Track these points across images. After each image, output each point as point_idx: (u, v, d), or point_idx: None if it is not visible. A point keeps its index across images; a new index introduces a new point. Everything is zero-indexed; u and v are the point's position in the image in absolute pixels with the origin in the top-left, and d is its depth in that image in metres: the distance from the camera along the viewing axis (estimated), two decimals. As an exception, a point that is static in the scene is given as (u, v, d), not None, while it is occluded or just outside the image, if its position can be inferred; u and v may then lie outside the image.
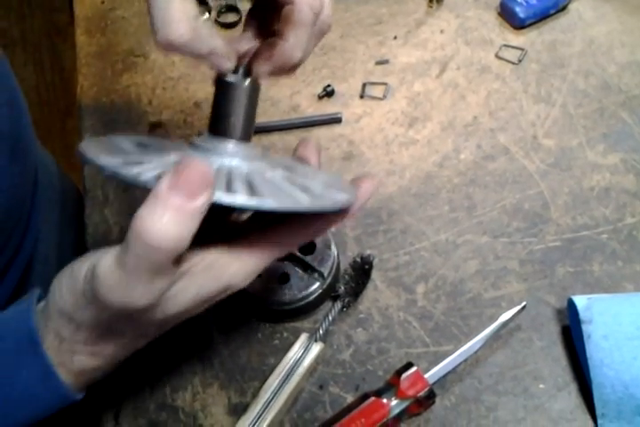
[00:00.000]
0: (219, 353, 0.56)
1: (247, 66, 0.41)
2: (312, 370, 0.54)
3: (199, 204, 0.32)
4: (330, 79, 0.73)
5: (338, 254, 0.58)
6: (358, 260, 0.57)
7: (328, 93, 0.72)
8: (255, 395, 0.52)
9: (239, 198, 0.33)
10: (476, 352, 0.52)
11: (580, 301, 0.51)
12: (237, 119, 0.41)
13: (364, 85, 0.72)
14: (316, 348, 0.54)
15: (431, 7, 0.78)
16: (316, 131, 0.70)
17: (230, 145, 0.40)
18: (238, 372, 0.55)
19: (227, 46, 0.39)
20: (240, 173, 0.38)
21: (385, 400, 0.49)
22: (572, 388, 0.52)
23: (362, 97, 0.72)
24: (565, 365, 0.53)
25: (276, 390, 0.51)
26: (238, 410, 0.53)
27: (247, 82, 0.40)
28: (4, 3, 2.06)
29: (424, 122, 0.69)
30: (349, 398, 0.53)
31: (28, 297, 0.39)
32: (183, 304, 0.36)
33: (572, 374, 0.53)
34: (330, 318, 0.55)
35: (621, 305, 0.51)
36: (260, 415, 0.50)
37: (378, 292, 0.58)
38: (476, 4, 0.77)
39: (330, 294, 0.57)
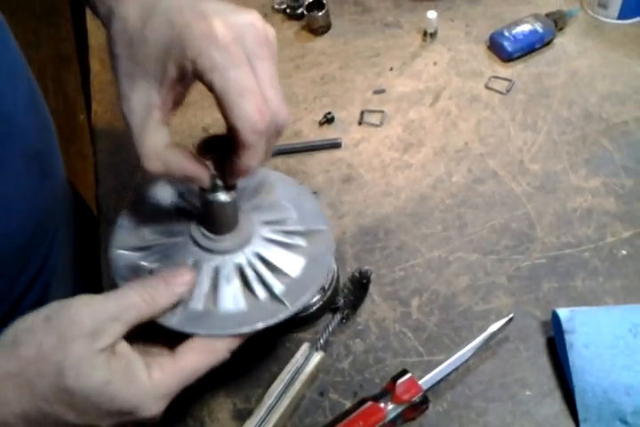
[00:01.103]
0: (224, 362, 0.59)
1: (224, 184, 0.46)
2: (313, 378, 0.57)
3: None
4: (330, 107, 0.78)
5: (338, 269, 0.62)
6: (357, 275, 0.61)
7: (328, 120, 0.77)
8: (259, 401, 0.56)
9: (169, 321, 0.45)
10: (466, 361, 0.56)
11: (564, 312, 0.55)
12: (224, 222, 0.48)
13: (362, 113, 0.77)
14: (317, 357, 0.57)
15: (425, 41, 0.83)
16: (317, 155, 0.74)
17: (221, 243, 0.48)
18: (243, 379, 0.58)
19: (198, 168, 0.43)
20: (226, 274, 0.48)
21: (382, 405, 0.53)
22: (557, 395, 0.55)
23: (360, 124, 0.77)
24: (550, 373, 0.57)
25: (279, 396, 0.54)
26: (243, 415, 0.56)
27: (224, 197, 0.46)
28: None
29: (418, 147, 0.73)
30: (348, 404, 0.56)
31: None
32: None
33: (556, 381, 0.56)
34: (330, 329, 0.59)
35: (601, 317, 0.55)
36: (264, 420, 0.53)
37: (375, 305, 0.62)
38: (467, 38, 0.83)
39: (330, 306, 0.61)
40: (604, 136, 0.72)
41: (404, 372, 0.54)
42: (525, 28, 0.79)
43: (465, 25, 0.84)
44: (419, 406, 0.53)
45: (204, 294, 0.47)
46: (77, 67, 2.15)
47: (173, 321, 0.45)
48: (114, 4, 0.43)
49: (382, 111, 0.77)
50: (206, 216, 0.48)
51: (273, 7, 0.88)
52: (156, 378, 0.41)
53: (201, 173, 0.43)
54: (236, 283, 0.48)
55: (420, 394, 0.53)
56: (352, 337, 0.60)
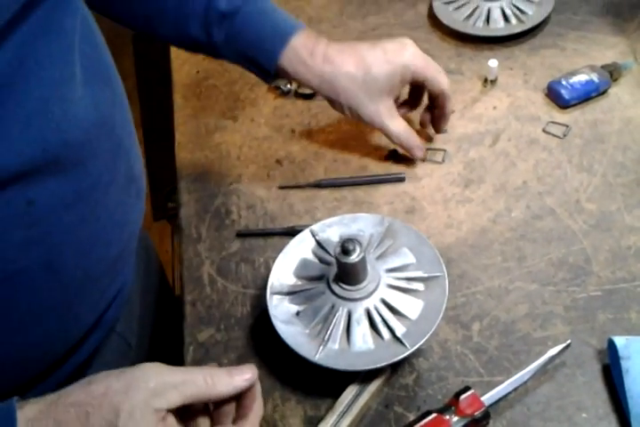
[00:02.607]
0: (297, 374, 0.64)
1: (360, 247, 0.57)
2: (379, 391, 0.61)
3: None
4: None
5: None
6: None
7: (393, 156, 0.83)
8: (328, 410, 0.60)
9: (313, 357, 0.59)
10: (525, 382, 0.59)
11: (620, 340, 0.59)
12: (354, 276, 0.59)
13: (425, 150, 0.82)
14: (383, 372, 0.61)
15: (485, 87, 0.89)
16: (382, 187, 0.80)
17: (353, 292, 0.60)
18: (313, 389, 0.62)
19: (418, 141, 0.78)
20: (356, 317, 0.60)
21: (446, 417, 0.56)
22: (612, 418, 0.58)
23: (423, 160, 0.82)
24: (606, 398, 0.59)
25: (349, 405, 0.58)
26: (313, 422, 0.60)
27: (353, 259, 0.57)
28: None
29: (478, 184, 0.78)
30: (412, 417, 0.59)
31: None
32: None
33: (612, 406, 0.59)
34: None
35: (657, 346, 0.58)
36: (335, 425, 0.57)
37: (438, 327, 0.66)
38: (526, 85, 0.88)
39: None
40: (657, 180, 0.76)
41: (466, 388, 0.58)
42: (582, 77, 0.84)
43: (523, 73, 0.90)
44: (480, 422, 0.57)
45: (340, 335, 0.59)
46: (137, 102, 2.27)
47: (317, 357, 0.58)
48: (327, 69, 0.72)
49: (444, 150, 0.82)
50: (340, 272, 0.59)
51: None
52: None
53: (420, 143, 0.79)
54: (365, 325, 0.59)
55: (483, 409, 0.56)
56: (416, 356, 0.64)
